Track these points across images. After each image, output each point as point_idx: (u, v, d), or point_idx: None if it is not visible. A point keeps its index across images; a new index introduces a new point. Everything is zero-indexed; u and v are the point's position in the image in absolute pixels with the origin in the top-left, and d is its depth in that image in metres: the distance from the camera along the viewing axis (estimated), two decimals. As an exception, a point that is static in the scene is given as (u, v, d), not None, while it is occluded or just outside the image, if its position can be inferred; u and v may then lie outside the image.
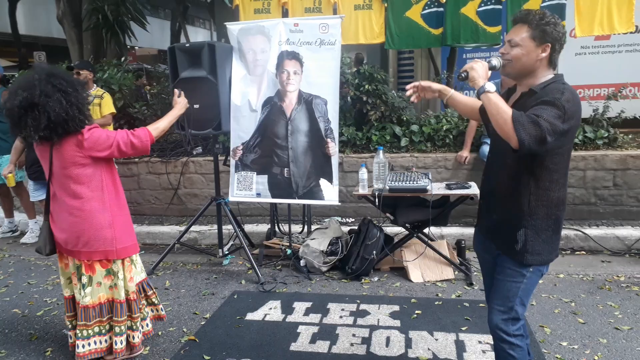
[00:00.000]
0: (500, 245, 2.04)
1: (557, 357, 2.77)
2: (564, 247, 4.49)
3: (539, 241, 1.95)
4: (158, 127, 2.97)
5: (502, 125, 1.77)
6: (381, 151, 4.02)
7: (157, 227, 5.43)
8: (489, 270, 2.19)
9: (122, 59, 7.04)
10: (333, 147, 4.08)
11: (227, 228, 4.70)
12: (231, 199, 4.39)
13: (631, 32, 4.79)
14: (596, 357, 2.75)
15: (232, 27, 4.21)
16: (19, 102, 2.50)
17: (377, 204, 3.90)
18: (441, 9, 4.84)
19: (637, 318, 3.19)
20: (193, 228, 4.88)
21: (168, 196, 5.77)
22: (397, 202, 4.04)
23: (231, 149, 4.30)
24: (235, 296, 3.83)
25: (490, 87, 1.84)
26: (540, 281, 3.78)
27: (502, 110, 1.79)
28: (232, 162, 4.32)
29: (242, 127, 4.23)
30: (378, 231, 4.16)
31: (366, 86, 5.34)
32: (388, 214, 4.18)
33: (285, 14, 5.14)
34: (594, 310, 3.32)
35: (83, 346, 2.75)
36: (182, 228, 4.87)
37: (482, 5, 4.79)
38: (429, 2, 4.81)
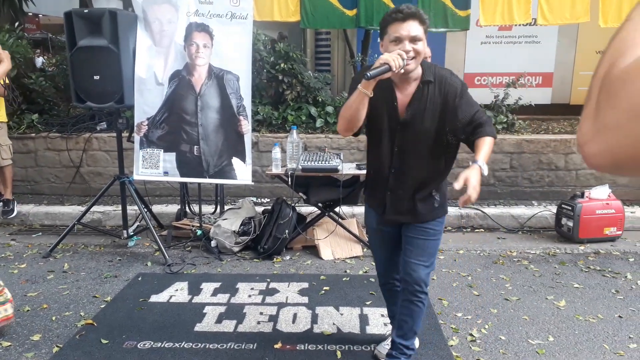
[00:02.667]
0: (408, 216, 2.27)
1: (452, 327, 2.93)
2: (465, 225, 4.77)
3: (445, 196, 2.31)
4: None
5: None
6: (295, 131, 4.00)
7: (57, 208, 5.06)
8: (391, 240, 2.38)
9: (17, 24, 6.41)
10: (246, 125, 3.99)
11: (133, 208, 4.48)
12: (136, 177, 4.17)
13: (529, 24, 5.10)
14: (487, 326, 2.95)
15: (137, -5, 3.95)
16: None
17: (289, 183, 3.89)
18: (355, -9, 4.85)
19: (524, 289, 3.45)
20: (97, 208, 4.61)
21: (69, 174, 5.39)
22: (309, 181, 4.06)
23: (135, 124, 4.07)
24: (140, 278, 3.67)
25: (485, 168, 2.03)
26: (441, 257, 4.03)
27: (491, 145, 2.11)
28: (137, 138, 4.09)
29: (147, 101, 4.01)
30: (291, 210, 4.16)
31: (282, 65, 5.28)
32: (301, 194, 4.18)
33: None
34: (487, 283, 3.55)
35: None
36: (84, 208, 4.57)
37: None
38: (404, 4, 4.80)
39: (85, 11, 3.83)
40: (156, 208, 4.81)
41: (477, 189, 1.95)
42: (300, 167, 3.93)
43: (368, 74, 1.90)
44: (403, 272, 2.31)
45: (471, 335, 2.85)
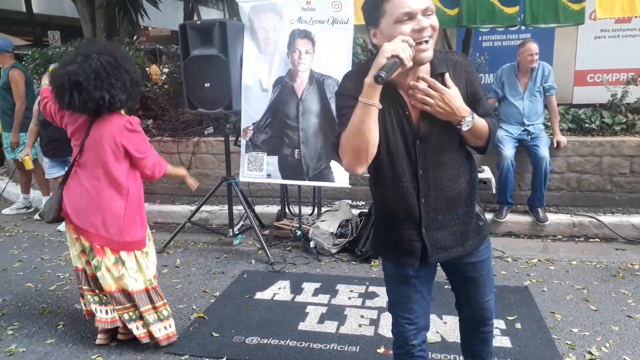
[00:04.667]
0: (465, 248, 1.78)
1: (567, 344, 2.74)
2: (577, 234, 4.44)
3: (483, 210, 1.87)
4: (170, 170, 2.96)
5: (487, 139, 1.71)
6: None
7: (168, 207, 5.45)
8: (426, 284, 1.84)
9: (135, 37, 7.01)
10: (345, 129, 4.01)
11: (238, 208, 4.71)
12: (241, 179, 4.38)
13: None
14: (607, 344, 2.72)
15: (244, 5, 4.15)
16: (82, 71, 2.50)
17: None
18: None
19: (650, 306, 3.14)
20: (204, 208, 4.89)
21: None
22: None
23: (242, 129, 4.27)
24: (245, 275, 3.84)
25: (470, 119, 1.60)
26: (552, 267, 3.79)
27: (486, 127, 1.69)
28: (243, 142, 4.30)
29: (252, 107, 4.20)
30: (388, 214, 4.12)
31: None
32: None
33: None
34: (606, 298, 3.27)
35: (107, 312, 2.76)
36: (193, 207, 4.88)
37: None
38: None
39: (197, 23, 4.09)
40: (258, 208, 5.01)
41: (434, 92, 1.51)
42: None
43: (382, 75, 1.39)
44: (472, 312, 1.95)
45: (590, 353, 2.64)
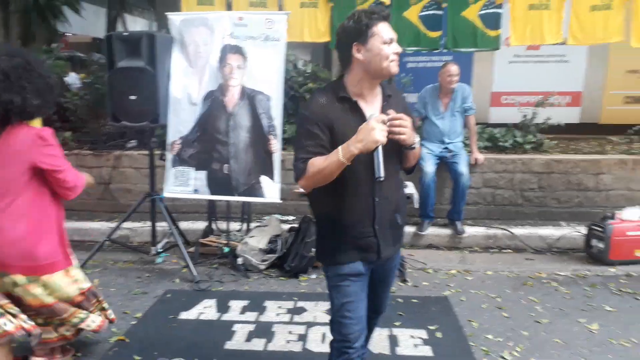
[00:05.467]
0: (393, 250, 2.08)
1: (483, 350, 2.91)
2: (492, 245, 4.73)
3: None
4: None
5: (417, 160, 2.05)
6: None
7: (86, 223, 5.19)
8: (361, 287, 2.04)
9: (53, 45, 6.66)
10: (275, 144, 4.05)
11: (161, 225, 4.57)
12: (166, 194, 4.26)
13: (559, 44, 5.08)
14: (518, 349, 2.91)
15: (174, 18, 4.09)
16: None
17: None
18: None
19: (555, 312, 3.40)
20: (125, 225, 4.69)
21: (99, 191, 5.52)
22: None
23: (168, 143, 4.18)
24: (169, 295, 3.73)
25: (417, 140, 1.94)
26: (469, 278, 4.01)
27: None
28: (169, 156, 4.20)
29: (181, 121, 4.12)
30: (317, 229, 4.18)
31: (310, 84, 5.36)
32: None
33: (229, 6, 5.05)
34: (517, 305, 3.51)
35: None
36: (114, 224, 4.67)
37: (424, 10, 4.91)
38: (372, 5, 4.87)
39: (125, 34, 3.98)
40: (183, 225, 4.89)
41: (405, 128, 1.81)
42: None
43: (379, 174, 1.78)
44: (375, 306, 2.18)
45: (503, 357, 2.82)
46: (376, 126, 1.73)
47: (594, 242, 4.33)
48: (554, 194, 5.05)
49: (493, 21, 4.83)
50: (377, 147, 1.75)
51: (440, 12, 4.89)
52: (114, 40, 3.89)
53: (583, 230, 4.58)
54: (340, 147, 1.78)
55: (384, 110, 1.92)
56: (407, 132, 1.82)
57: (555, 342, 3.00)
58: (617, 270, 4.12)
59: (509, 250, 4.68)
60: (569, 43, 4.90)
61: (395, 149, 1.92)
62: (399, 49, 1.88)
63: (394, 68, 1.87)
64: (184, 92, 4.09)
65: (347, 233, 1.95)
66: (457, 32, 4.87)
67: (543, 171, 5.04)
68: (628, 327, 3.17)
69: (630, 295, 3.65)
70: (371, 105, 1.94)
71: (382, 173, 1.78)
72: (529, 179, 5.06)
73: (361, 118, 1.87)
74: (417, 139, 1.90)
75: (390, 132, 1.78)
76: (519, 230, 4.77)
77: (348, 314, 1.97)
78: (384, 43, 1.83)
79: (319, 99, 1.92)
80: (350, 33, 1.88)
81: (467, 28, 4.84)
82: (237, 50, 4.01)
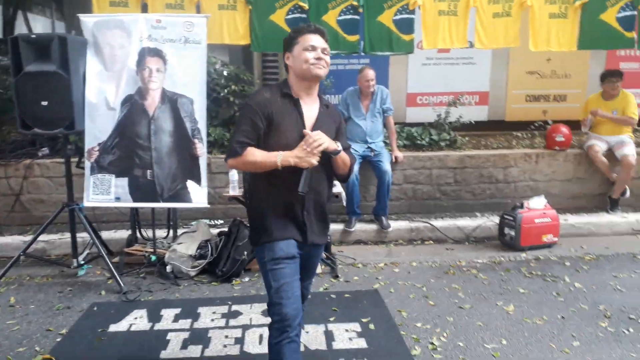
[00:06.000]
0: (320, 238, 2.31)
1: (413, 337, 3.07)
2: (415, 238, 4.97)
3: None
4: None
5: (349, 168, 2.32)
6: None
7: (-5, 238, 4.80)
8: (295, 269, 2.21)
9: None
10: (201, 148, 4.00)
11: (82, 236, 4.35)
12: (86, 204, 4.06)
13: (466, 47, 5.43)
14: (445, 334, 3.11)
15: (87, 20, 3.90)
16: None
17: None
18: (304, 15, 5.00)
19: (475, 297, 3.66)
20: (41, 238, 4.40)
21: (8, 203, 5.12)
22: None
23: (86, 149, 3.98)
24: (95, 308, 3.56)
25: (339, 145, 2.20)
26: (396, 270, 4.19)
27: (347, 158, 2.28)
28: (87, 164, 4.00)
29: (98, 126, 3.94)
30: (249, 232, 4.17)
31: (232, 87, 5.33)
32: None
33: (144, 8, 4.88)
34: (441, 293, 3.73)
35: None
36: (28, 238, 4.37)
37: (342, 14, 5.06)
38: (292, 8, 4.94)
39: (32, 36, 3.73)
40: (104, 234, 4.67)
41: (324, 139, 2.08)
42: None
43: (304, 191, 2.08)
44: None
45: (432, 344, 2.99)
46: (316, 152, 2.06)
47: (506, 230, 4.70)
48: (469, 187, 5.41)
49: (406, 26, 5.06)
50: (307, 174, 2.07)
51: (357, 17, 5.04)
52: (20, 43, 3.64)
53: (496, 219, 4.95)
54: (281, 153, 2.07)
55: (319, 117, 2.20)
56: (325, 141, 2.08)
57: (477, 325, 3.23)
58: (527, 255, 4.51)
59: (431, 242, 4.95)
60: (476, 47, 5.26)
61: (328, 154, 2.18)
62: (319, 54, 2.12)
63: (315, 70, 2.12)
64: (100, 96, 3.92)
65: (281, 214, 2.18)
66: (374, 36, 5.07)
67: (457, 166, 5.38)
68: (539, 306, 3.48)
69: (539, 277, 4.00)
70: (309, 108, 2.21)
71: (304, 189, 2.07)
72: (445, 174, 5.37)
73: (299, 115, 2.16)
74: (339, 146, 2.17)
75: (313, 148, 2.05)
76: (438, 223, 5.06)
77: (285, 294, 2.11)
78: (305, 49, 2.13)
79: (264, 93, 2.19)
80: (285, 44, 2.22)
81: (383, 32, 5.04)
82: (156, 53, 3.91)
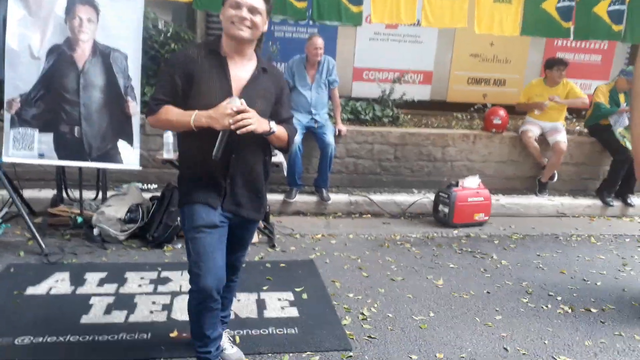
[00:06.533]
0: (251, 213, 2.19)
1: (344, 308, 3.09)
2: (353, 211, 5.01)
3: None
4: None
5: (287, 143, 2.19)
6: (187, 114, 3.88)
7: None
8: (223, 238, 2.14)
9: None
10: (134, 107, 3.78)
11: (1, 193, 4.04)
12: (5, 159, 3.75)
13: (413, 25, 5.43)
14: (376, 305, 3.15)
15: (9, -43, 3.54)
16: None
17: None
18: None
19: (407, 270, 3.73)
20: (-47, 194, 4.06)
21: None
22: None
23: (5, 100, 3.65)
24: (12, 270, 3.33)
25: (274, 126, 2.06)
26: (333, 241, 4.20)
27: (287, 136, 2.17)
28: (7, 116, 3.68)
29: (20, 76, 3.62)
30: (182, 197, 4.03)
31: (172, 45, 5.07)
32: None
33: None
34: (375, 265, 3.78)
35: None
36: (-63, 194, 4.01)
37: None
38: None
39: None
40: (27, 193, 4.37)
41: (253, 118, 1.92)
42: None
43: (218, 155, 1.91)
44: (230, 264, 2.25)
45: (362, 314, 3.02)
46: (230, 112, 1.87)
47: (441, 207, 4.82)
48: (408, 164, 5.49)
49: None
50: (224, 135, 1.90)
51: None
52: None
53: (432, 196, 5.06)
54: (195, 112, 1.92)
55: (252, 80, 2.04)
56: (253, 124, 1.92)
57: (407, 297, 3.30)
58: (459, 232, 4.65)
59: (369, 216, 5.00)
60: (423, 25, 5.26)
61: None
62: (242, 14, 1.93)
63: (234, 30, 1.94)
64: (23, 44, 3.59)
65: (202, 178, 2.07)
66: (322, 5, 4.94)
67: (398, 143, 5.43)
68: (467, 281, 3.60)
69: (469, 254, 4.14)
70: (241, 69, 2.04)
71: (217, 155, 1.91)
72: (386, 150, 5.42)
73: (225, 74, 2.00)
74: (273, 126, 2.04)
75: (235, 122, 1.88)
76: (377, 197, 5.12)
77: (204, 264, 2.02)
78: (231, 7, 1.95)
79: (188, 50, 2.07)
80: (221, 1, 2.05)
81: (332, 1, 4.94)
82: (88, 1, 3.62)
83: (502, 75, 7.26)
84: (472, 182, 4.86)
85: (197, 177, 2.08)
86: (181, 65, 1.99)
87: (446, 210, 4.74)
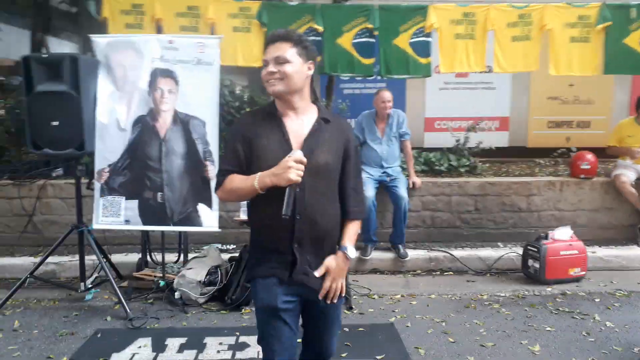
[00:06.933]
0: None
1: (431, 378, 2.86)
2: (434, 268, 4.76)
3: None
4: None
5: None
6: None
7: (6, 259, 4.74)
8: (295, 320, 1.96)
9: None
10: (212, 170, 3.91)
11: (91, 259, 4.25)
12: (95, 226, 3.98)
13: (484, 72, 5.31)
14: (466, 374, 2.89)
15: (99, 40, 3.89)
16: None
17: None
18: (319, 38, 4.95)
19: (498, 334, 3.43)
20: (50, 259, 4.33)
21: (21, 224, 5.08)
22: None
23: (96, 171, 3.91)
24: (99, 335, 3.43)
25: (352, 253, 1.95)
26: (414, 302, 3.98)
27: None
28: (97, 185, 3.93)
29: (108, 147, 3.88)
30: (258, 258, 4.03)
31: (247, 109, 5.27)
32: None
33: (159, 30, 4.90)
34: (462, 329, 3.51)
35: None
36: (38, 260, 4.29)
37: (357, 37, 4.99)
38: (306, 31, 4.89)
39: (44, 56, 3.73)
40: (115, 257, 4.58)
41: (337, 279, 1.89)
42: (269, 213, 3.86)
43: (287, 214, 1.77)
44: (318, 348, 2.08)
45: (451, 385, 2.78)
46: (292, 165, 1.75)
47: (530, 262, 4.46)
48: (490, 216, 5.21)
49: (423, 49, 4.98)
50: (290, 185, 1.78)
51: (372, 40, 4.98)
52: (32, 62, 3.63)
53: (519, 250, 4.72)
54: (258, 175, 1.82)
55: (313, 133, 1.91)
56: (337, 282, 1.90)
57: (500, 364, 3.01)
58: (553, 289, 4.25)
59: (451, 273, 4.73)
60: (495, 71, 5.13)
61: (328, 169, 1.92)
62: (270, 69, 1.86)
63: (269, 88, 1.89)
64: (112, 117, 3.88)
65: (269, 245, 1.92)
66: (390, 60, 4.99)
67: (478, 193, 5.19)
68: (568, 346, 3.24)
69: (567, 314, 3.75)
70: (300, 124, 1.93)
71: (287, 212, 1.77)
72: (465, 201, 5.18)
73: (282, 132, 1.90)
74: (351, 254, 1.94)
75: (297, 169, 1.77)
76: (459, 252, 4.85)
77: (269, 345, 1.91)
78: (263, 66, 1.91)
79: (246, 116, 2.13)
80: None
81: (399, 55, 4.96)
82: (168, 74, 3.87)
83: (585, 117, 6.87)
84: (563, 234, 4.48)
85: (264, 246, 1.94)
86: (241, 132, 1.94)
87: (537, 265, 4.38)
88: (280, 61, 1.84)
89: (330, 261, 1.90)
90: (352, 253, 1.95)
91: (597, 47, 4.98)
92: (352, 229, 1.99)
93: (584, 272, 4.43)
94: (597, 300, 4.02)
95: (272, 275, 1.90)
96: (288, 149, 1.86)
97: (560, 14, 4.94)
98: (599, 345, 3.25)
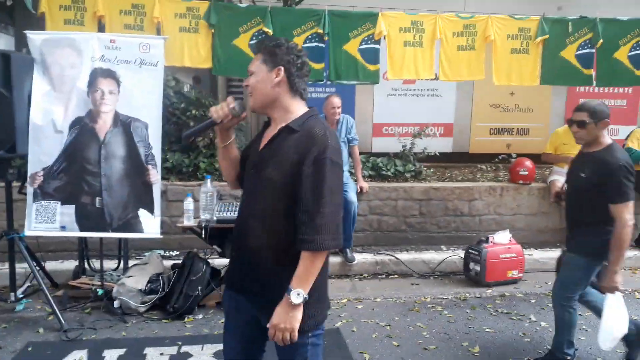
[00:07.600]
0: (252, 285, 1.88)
1: (375, 383, 2.88)
2: (380, 271, 4.82)
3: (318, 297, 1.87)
4: None
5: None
6: (209, 180, 3.87)
7: None
8: (247, 328, 1.92)
9: None
10: (155, 175, 3.79)
11: (23, 267, 4.01)
12: (28, 233, 3.76)
13: (432, 79, 5.44)
14: (409, 378, 2.93)
15: (34, 37, 3.67)
16: None
17: (203, 236, 3.71)
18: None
19: (441, 337, 3.50)
20: (-23, 268, 4.06)
21: (-57, 230, 4.72)
22: (225, 233, 3.88)
23: (29, 174, 3.70)
24: (30, 348, 3.24)
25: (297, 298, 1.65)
26: (360, 306, 4.01)
27: None
28: (30, 190, 3.71)
29: (43, 150, 3.68)
30: (204, 265, 3.94)
31: (193, 111, 5.15)
32: (215, 246, 4.01)
33: (102, 28, 4.70)
34: (406, 332, 3.57)
35: None
36: (-39, 269, 4.01)
37: (307, 42, 4.98)
38: (256, 33, 4.84)
39: (-29, 52, 3.48)
40: (50, 265, 4.34)
41: (281, 329, 1.65)
42: (215, 218, 3.78)
43: (184, 134, 1.92)
44: None
45: (394, 390, 2.81)
46: (222, 104, 1.84)
47: (472, 265, 4.60)
48: (434, 220, 5.33)
49: (372, 56, 5.04)
50: (207, 123, 1.86)
51: (322, 45, 4.99)
52: (-42, 59, 3.39)
53: (461, 253, 4.85)
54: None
55: (273, 140, 1.78)
56: (286, 331, 1.67)
57: (442, 367, 3.07)
58: (493, 291, 4.40)
59: (396, 276, 4.80)
60: (441, 79, 5.26)
61: (277, 193, 1.73)
62: (245, 82, 1.87)
63: (251, 100, 1.86)
64: (47, 118, 3.68)
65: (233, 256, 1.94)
66: (339, 65, 5.01)
67: (423, 198, 5.30)
68: (505, 347, 3.35)
69: (505, 315, 3.89)
70: (274, 129, 1.82)
71: (186, 133, 1.92)
72: (410, 205, 5.28)
73: (259, 143, 1.88)
74: (295, 300, 1.64)
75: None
76: (404, 256, 4.93)
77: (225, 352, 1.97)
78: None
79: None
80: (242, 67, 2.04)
81: (349, 61, 5.00)
82: (109, 74, 3.72)
83: (525, 125, 7.17)
84: (503, 237, 4.65)
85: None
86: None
87: (477, 268, 4.52)
88: (249, 73, 1.83)
89: (276, 310, 1.69)
90: (297, 298, 1.63)
91: (536, 58, 5.21)
92: (302, 264, 1.67)
93: (521, 274, 4.61)
94: (532, 301, 4.19)
95: (227, 284, 1.97)
96: (256, 152, 1.86)
97: (503, 25, 5.13)
98: (534, 345, 3.39)
